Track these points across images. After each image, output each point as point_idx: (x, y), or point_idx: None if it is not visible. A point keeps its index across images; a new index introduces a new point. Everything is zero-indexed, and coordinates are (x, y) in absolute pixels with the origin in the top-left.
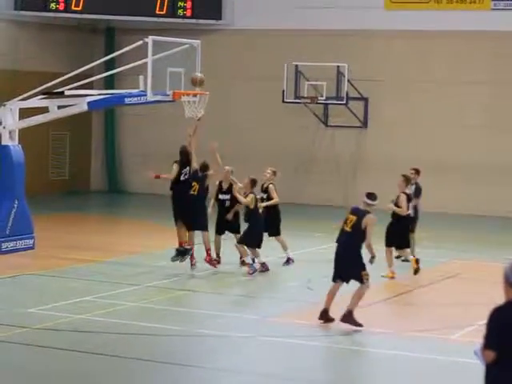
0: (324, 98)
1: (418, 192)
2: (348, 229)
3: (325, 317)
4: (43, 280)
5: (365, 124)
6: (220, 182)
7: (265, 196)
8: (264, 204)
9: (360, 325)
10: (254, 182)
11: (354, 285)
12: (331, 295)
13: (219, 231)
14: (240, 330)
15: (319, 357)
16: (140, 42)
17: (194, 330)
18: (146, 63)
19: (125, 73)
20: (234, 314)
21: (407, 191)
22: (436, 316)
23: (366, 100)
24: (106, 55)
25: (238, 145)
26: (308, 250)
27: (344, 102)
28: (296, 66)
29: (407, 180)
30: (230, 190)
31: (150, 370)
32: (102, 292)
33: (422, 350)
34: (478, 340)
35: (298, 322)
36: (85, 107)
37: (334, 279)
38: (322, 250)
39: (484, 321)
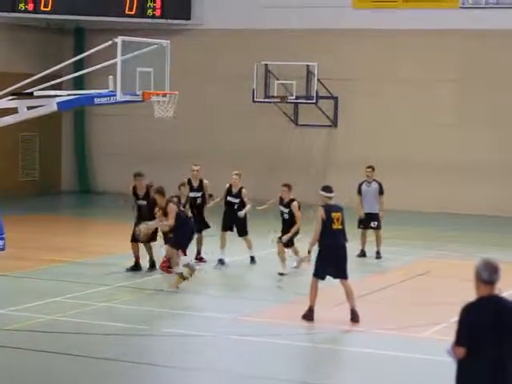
0: (294, 97)
1: (381, 188)
2: (339, 226)
3: (311, 316)
4: (14, 281)
5: (334, 123)
6: (189, 180)
7: (237, 200)
8: (245, 211)
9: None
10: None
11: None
12: (316, 292)
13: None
14: (211, 330)
15: (291, 355)
16: (109, 42)
17: (165, 330)
18: (115, 63)
19: (94, 73)
20: (205, 314)
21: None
22: (407, 314)
23: (335, 99)
24: (76, 55)
25: (208, 144)
26: (276, 249)
27: (314, 100)
28: (266, 65)
29: (290, 187)
30: (201, 188)
31: (121, 371)
32: (74, 292)
33: (394, 347)
34: (450, 338)
35: (269, 321)
36: (54, 108)
37: (323, 276)
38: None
39: (455, 318)
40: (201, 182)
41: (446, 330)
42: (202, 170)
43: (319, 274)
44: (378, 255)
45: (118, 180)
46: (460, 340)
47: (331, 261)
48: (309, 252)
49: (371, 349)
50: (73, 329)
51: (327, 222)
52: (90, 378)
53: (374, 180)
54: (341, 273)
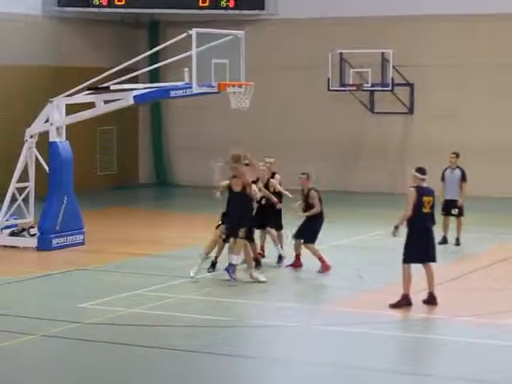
0: (369, 84)
1: (464, 175)
2: (429, 210)
3: (409, 302)
4: (94, 275)
5: (411, 110)
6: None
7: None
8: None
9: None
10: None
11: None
12: (410, 279)
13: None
14: (292, 319)
15: (373, 344)
16: (184, 35)
17: (246, 321)
18: (190, 55)
19: (170, 66)
20: (286, 304)
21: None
22: (489, 300)
23: (411, 86)
24: (150, 49)
25: (284, 134)
26: (356, 238)
27: (389, 88)
28: (340, 53)
29: (309, 176)
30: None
31: (204, 362)
32: (154, 285)
33: (477, 334)
34: None
35: (351, 310)
36: (131, 101)
37: (416, 262)
38: (371, 237)
39: None
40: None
41: None
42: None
43: (411, 259)
44: (457, 242)
45: (194, 172)
46: None
47: (421, 245)
48: (396, 227)
49: (453, 336)
50: (154, 321)
51: (417, 205)
52: (172, 369)
53: (458, 167)
54: (431, 257)
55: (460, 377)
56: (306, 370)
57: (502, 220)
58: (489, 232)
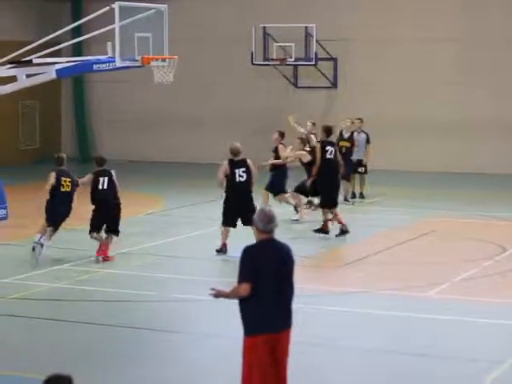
0: (293, 59)
1: (368, 139)
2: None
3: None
4: (18, 250)
5: (334, 84)
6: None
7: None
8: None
9: None
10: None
11: None
12: None
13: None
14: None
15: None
16: (106, 8)
17: (170, 295)
18: (113, 29)
19: (93, 40)
20: (204, 278)
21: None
22: (412, 274)
23: (335, 60)
24: (73, 22)
25: (208, 108)
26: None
27: (313, 62)
28: (264, 27)
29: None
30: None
31: (130, 337)
32: (78, 259)
33: (399, 308)
34: (454, 296)
35: None
36: (53, 75)
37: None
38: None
39: (460, 277)
40: None
41: (452, 288)
42: None
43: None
44: (362, 196)
45: (117, 147)
46: (245, 277)
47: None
48: None
49: (376, 310)
50: (78, 296)
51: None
52: (97, 344)
53: (363, 131)
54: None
55: (375, 348)
56: (231, 344)
57: (428, 194)
58: (414, 206)
